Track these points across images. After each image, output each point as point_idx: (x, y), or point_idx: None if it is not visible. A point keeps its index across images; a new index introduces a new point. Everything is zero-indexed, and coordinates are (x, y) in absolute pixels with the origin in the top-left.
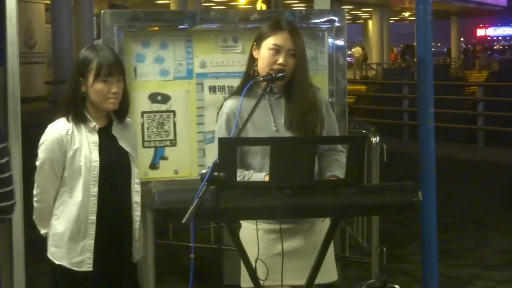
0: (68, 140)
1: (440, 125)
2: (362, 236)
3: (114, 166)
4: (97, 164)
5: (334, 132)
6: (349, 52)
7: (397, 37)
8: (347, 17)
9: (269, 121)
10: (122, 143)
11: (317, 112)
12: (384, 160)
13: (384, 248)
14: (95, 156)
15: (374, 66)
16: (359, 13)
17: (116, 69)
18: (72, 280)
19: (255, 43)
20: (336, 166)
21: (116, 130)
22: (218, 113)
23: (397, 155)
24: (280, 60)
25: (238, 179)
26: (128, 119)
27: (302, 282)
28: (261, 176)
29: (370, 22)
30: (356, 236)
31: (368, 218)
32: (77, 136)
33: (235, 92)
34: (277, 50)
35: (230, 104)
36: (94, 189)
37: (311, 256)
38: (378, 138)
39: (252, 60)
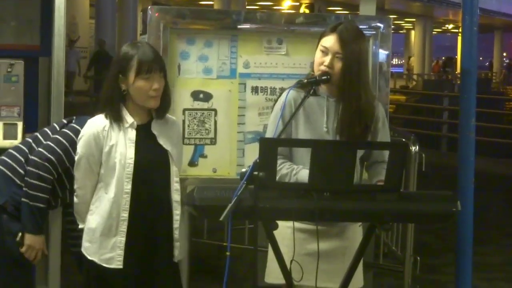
0: (104, 136)
1: (479, 139)
2: (396, 245)
3: (150, 164)
4: (131, 161)
5: None
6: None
7: (439, 48)
8: None
9: (322, 121)
10: (161, 141)
11: (366, 122)
12: (423, 169)
13: (418, 258)
14: (130, 153)
15: (415, 77)
16: (402, 23)
17: (157, 65)
18: (102, 276)
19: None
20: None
21: (155, 128)
22: (276, 100)
23: (434, 166)
24: (326, 62)
25: (286, 171)
26: (173, 118)
27: (329, 284)
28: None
29: (412, 33)
30: (390, 244)
31: (403, 227)
32: (113, 133)
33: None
34: (324, 51)
35: (290, 93)
36: (128, 187)
37: (339, 260)
38: (417, 147)
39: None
